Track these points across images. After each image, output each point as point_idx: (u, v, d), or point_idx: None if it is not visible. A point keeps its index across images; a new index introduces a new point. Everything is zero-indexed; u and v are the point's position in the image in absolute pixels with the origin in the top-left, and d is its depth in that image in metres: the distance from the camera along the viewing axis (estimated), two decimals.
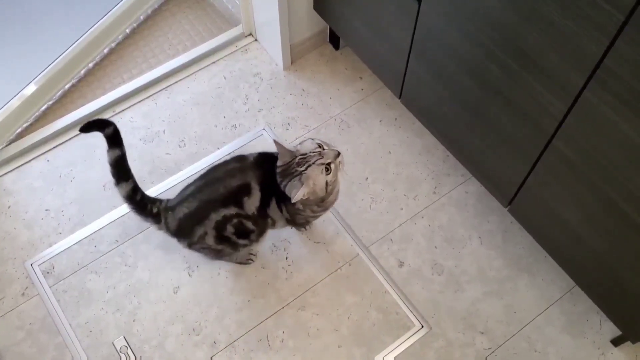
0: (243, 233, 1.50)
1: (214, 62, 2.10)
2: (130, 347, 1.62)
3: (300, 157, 1.37)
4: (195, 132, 1.95)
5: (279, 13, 1.84)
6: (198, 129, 1.96)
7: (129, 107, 2.01)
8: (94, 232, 1.78)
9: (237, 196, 1.43)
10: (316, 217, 1.59)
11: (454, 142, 1.66)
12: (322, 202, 1.49)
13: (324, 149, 1.38)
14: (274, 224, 1.54)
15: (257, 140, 1.94)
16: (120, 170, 1.48)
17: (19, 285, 1.70)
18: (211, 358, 1.60)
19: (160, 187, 1.84)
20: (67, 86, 2.06)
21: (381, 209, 1.81)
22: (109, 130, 1.43)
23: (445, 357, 1.60)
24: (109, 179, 1.85)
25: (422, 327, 1.64)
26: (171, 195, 1.56)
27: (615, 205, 1.23)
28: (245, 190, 1.43)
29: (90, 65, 2.11)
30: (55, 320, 1.65)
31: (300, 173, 1.36)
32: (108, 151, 1.46)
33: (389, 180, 1.86)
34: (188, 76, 2.07)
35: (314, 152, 1.37)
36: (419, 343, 1.62)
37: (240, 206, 1.44)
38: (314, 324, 1.64)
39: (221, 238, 1.49)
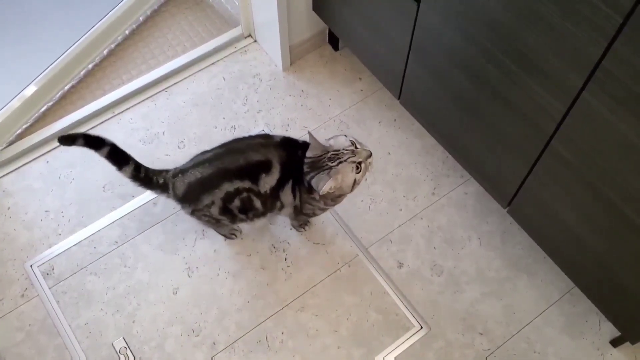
0: (246, 209, 1.50)
1: (213, 63, 2.10)
2: (129, 348, 1.62)
3: (332, 152, 1.37)
4: (194, 133, 1.95)
5: (278, 14, 1.84)
6: (197, 130, 1.96)
7: (129, 108, 2.01)
8: (93, 234, 1.78)
9: (255, 171, 1.44)
10: (325, 210, 1.60)
11: (453, 143, 1.66)
12: (338, 197, 1.50)
13: (356, 147, 1.39)
14: (281, 208, 1.54)
15: None
16: (117, 158, 1.50)
17: (18, 286, 1.70)
18: (211, 359, 1.60)
19: None
20: (66, 87, 2.06)
21: (380, 210, 1.81)
22: (80, 141, 1.45)
23: (444, 357, 1.60)
24: (109, 180, 1.87)
25: (422, 327, 1.64)
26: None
27: (614, 206, 1.23)
28: (265, 166, 1.44)
29: (90, 66, 2.11)
30: (55, 321, 1.65)
31: (331, 167, 1.37)
32: (97, 152, 1.48)
33: (388, 181, 1.86)
34: (187, 77, 2.07)
35: (347, 150, 1.37)
36: (419, 344, 1.62)
37: (255, 181, 1.44)
38: (313, 325, 1.64)
39: (225, 210, 1.50)
